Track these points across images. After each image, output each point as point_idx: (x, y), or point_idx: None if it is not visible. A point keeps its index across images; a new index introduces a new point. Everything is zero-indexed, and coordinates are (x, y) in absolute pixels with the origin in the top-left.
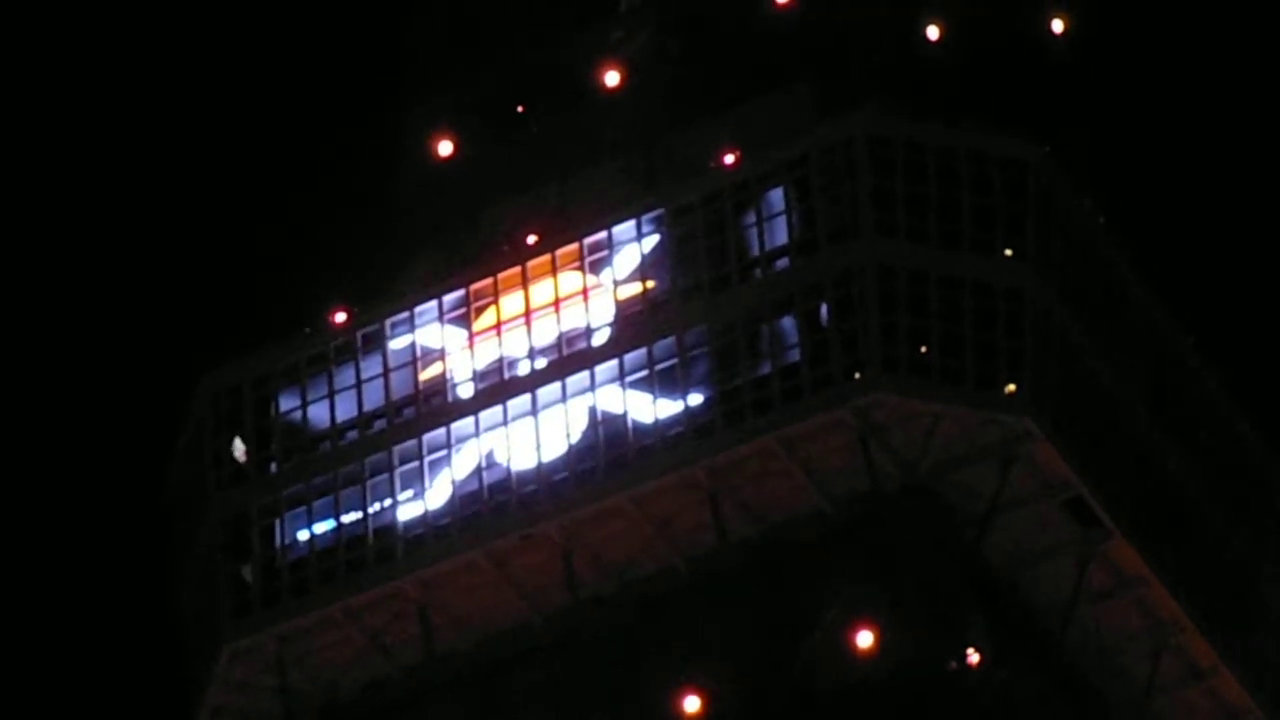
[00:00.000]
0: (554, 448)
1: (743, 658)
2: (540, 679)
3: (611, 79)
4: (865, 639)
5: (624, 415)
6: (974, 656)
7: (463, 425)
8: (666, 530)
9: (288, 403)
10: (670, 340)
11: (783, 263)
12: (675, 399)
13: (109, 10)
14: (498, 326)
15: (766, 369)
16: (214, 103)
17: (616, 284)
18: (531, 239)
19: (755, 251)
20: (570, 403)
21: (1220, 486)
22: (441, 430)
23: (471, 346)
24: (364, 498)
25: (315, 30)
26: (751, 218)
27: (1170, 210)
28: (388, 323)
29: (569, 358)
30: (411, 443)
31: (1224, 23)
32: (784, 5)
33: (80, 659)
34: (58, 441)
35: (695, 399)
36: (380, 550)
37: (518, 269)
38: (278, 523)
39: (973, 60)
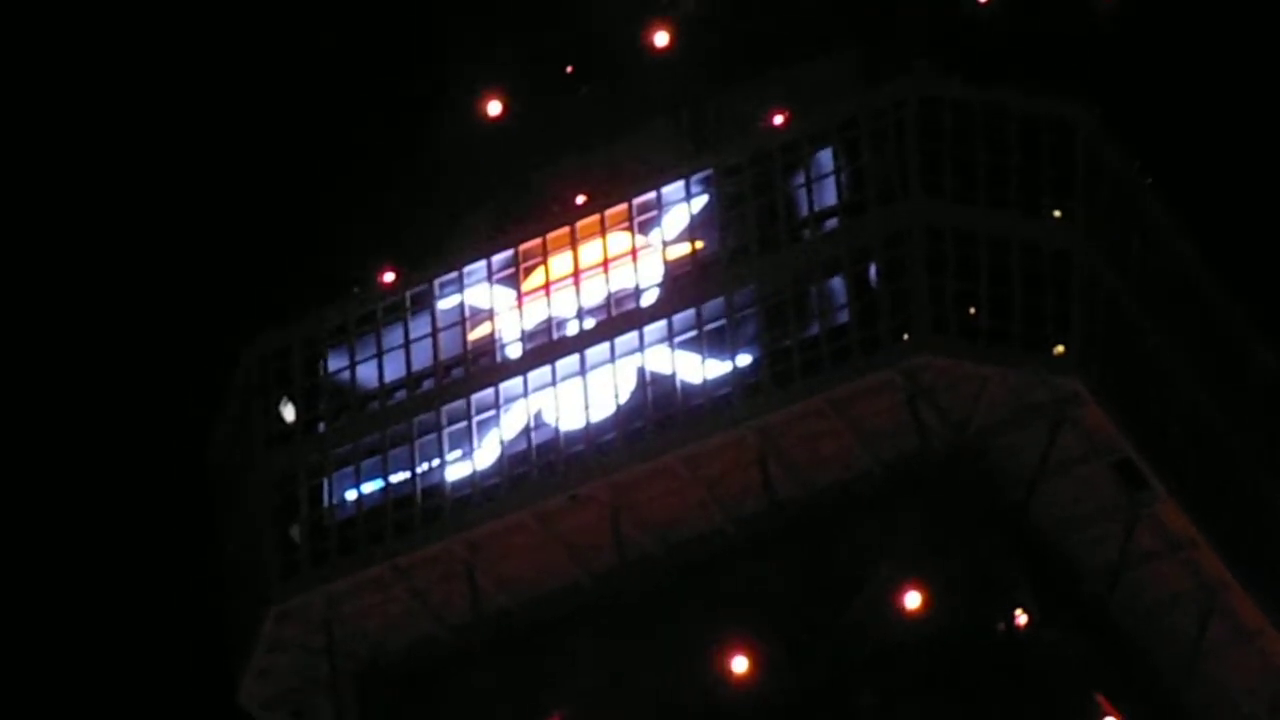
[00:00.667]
0: (602, 408)
1: (791, 619)
2: (588, 640)
3: (661, 39)
4: (913, 600)
5: (672, 376)
6: (1021, 618)
7: (511, 385)
8: (715, 491)
9: (336, 363)
10: (719, 301)
11: (831, 224)
12: (724, 359)
13: None
14: (546, 286)
15: (815, 330)
16: (261, 62)
17: (665, 244)
18: (580, 199)
19: (804, 212)
20: (619, 363)
21: (1269, 449)
22: (490, 390)
23: (520, 306)
24: (412, 458)
25: None
26: (800, 178)
27: (1219, 172)
28: (436, 283)
29: (617, 318)
30: (460, 403)
31: None
32: None
33: (124, 623)
34: (107, 405)
35: (744, 360)
36: (428, 510)
37: (566, 229)
38: (325, 482)
39: (1020, 22)
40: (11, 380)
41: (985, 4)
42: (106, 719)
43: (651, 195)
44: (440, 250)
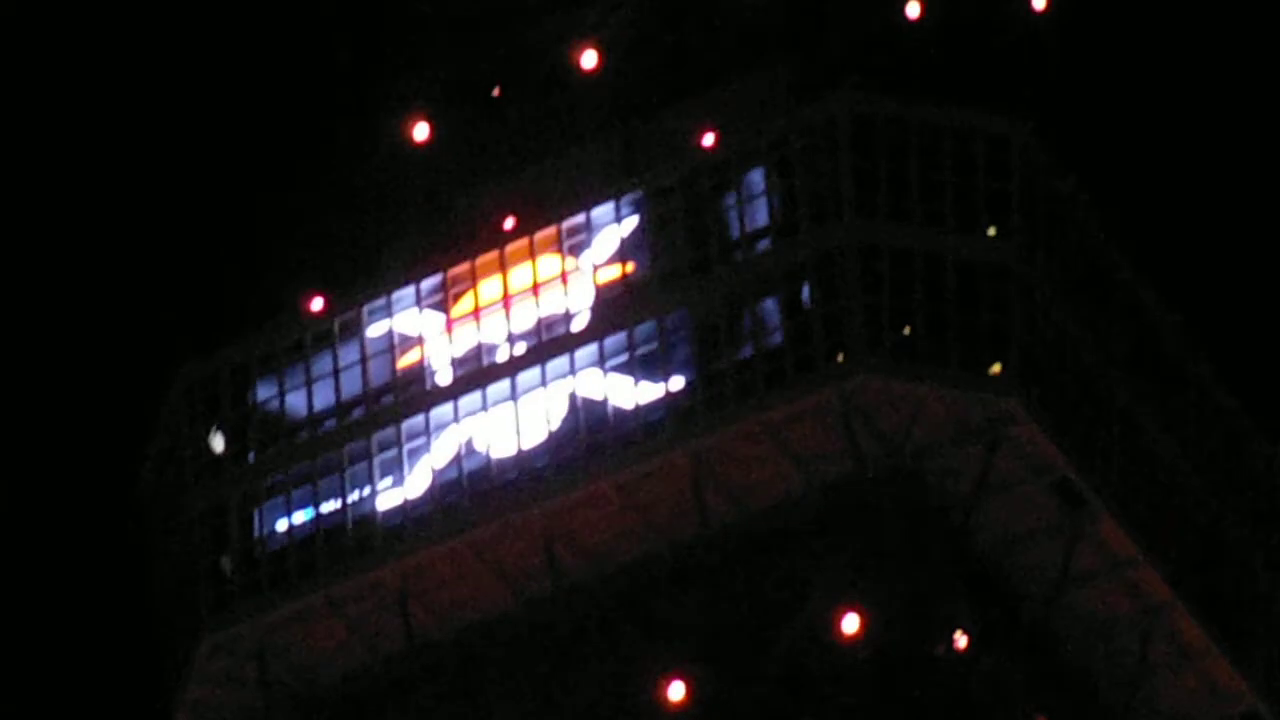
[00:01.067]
0: (534, 434)
1: (727, 644)
2: (522, 669)
3: (588, 60)
4: (851, 624)
5: (604, 401)
6: (961, 641)
7: (441, 412)
8: (649, 516)
9: (265, 392)
10: (651, 324)
11: (764, 244)
12: (656, 383)
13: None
14: (476, 312)
15: (748, 352)
16: (184, 87)
17: (595, 267)
18: (509, 223)
19: (736, 233)
20: (550, 388)
21: (1209, 467)
22: (420, 417)
23: (450, 332)
24: (343, 486)
25: (289, 13)
26: (731, 199)
27: (1154, 187)
28: (364, 309)
29: (548, 343)
30: (390, 430)
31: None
32: None
33: (54, 655)
34: (31, 435)
35: (676, 383)
36: (360, 540)
37: (495, 253)
38: (256, 513)
39: (954, 38)
40: None
41: (919, 19)
42: None
43: (581, 218)
44: (368, 276)
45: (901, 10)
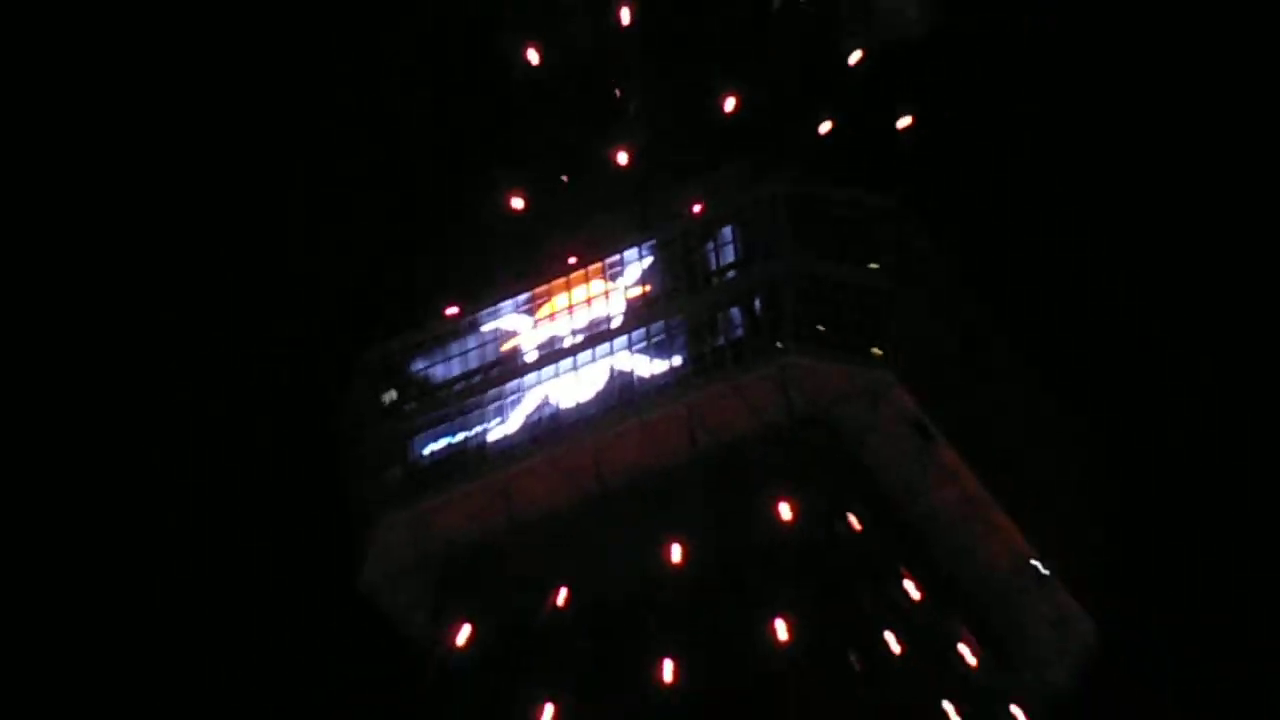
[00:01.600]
0: (587, 392)
1: (708, 524)
2: (580, 538)
3: (622, 158)
4: (785, 512)
5: (631, 371)
6: (856, 523)
7: (529, 379)
8: (660, 444)
9: (419, 365)
10: (661, 324)
11: (731, 274)
12: (665, 360)
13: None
14: (551, 315)
15: (722, 342)
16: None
17: (626, 288)
18: (572, 260)
19: (714, 267)
20: (597, 363)
21: (1011, 411)
22: (515, 382)
23: (535, 328)
24: (467, 425)
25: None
26: (711, 246)
27: (980, 237)
28: (482, 313)
29: (596, 335)
30: (496, 390)
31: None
32: (730, 112)
33: (283, 534)
34: (270, 397)
35: (677, 360)
36: (477, 458)
37: (563, 279)
38: (413, 442)
39: (852, 144)
40: (233, 366)
41: (830, 132)
42: (270, 604)
43: (617, 257)
44: (485, 292)
45: (817, 129)
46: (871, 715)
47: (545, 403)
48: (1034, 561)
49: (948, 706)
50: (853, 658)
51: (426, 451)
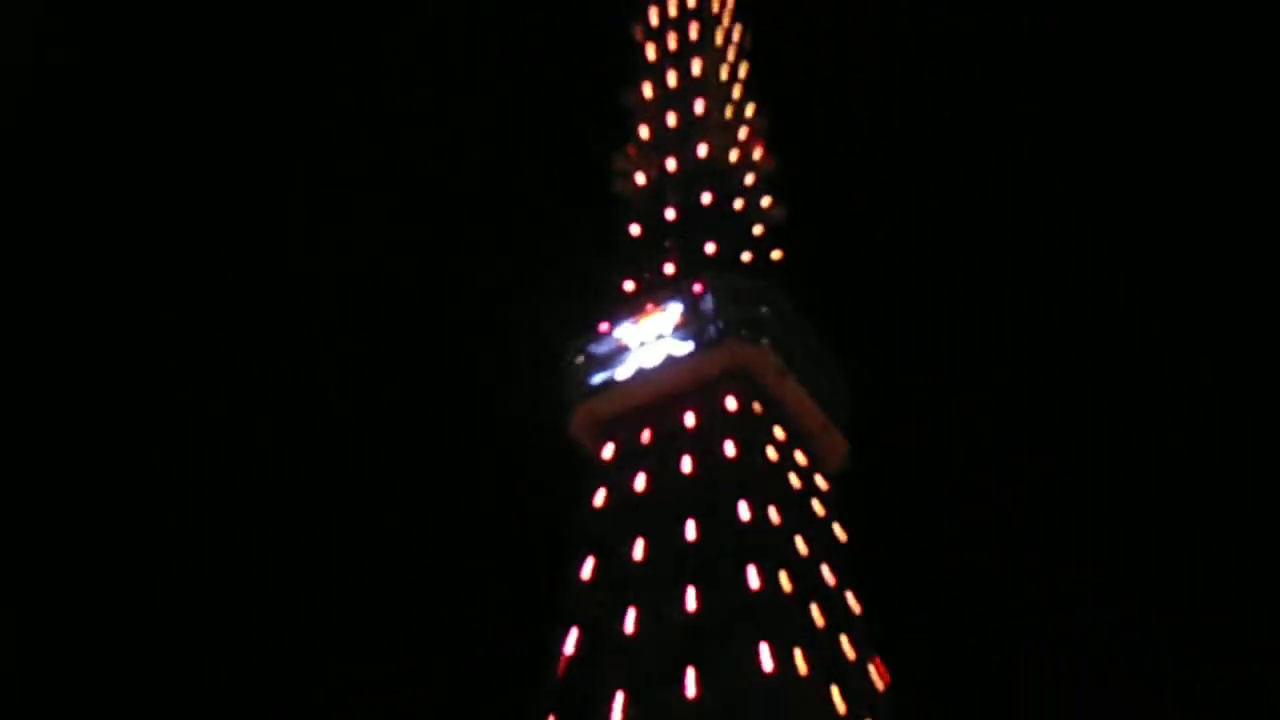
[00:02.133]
0: (654, 360)
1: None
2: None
3: (668, 268)
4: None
5: (672, 352)
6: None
7: (632, 355)
8: (685, 386)
9: (591, 348)
10: (685, 330)
11: (711, 310)
12: (686, 344)
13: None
14: (638, 323)
15: (708, 335)
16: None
17: (675, 317)
18: (649, 305)
19: (709, 312)
20: (659, 344)
21: (825, 369)
22: (627, 354)
23: (635, 328)
24: (608, 370)
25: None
26: (706, 302)
27: (823, 287)
28: (613, 323)
29: (659, 334)
30: (620, 357)
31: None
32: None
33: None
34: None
35: (690, 346)
36: (613, 386)
37: (645, 309)
38: (587, 375)
39: (744, 245)
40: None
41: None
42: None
43: (668, 301)
44: (615, 313)
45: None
46: None
47: (638, 365)
48: None
49: None
50: None
51: (592, 381)
